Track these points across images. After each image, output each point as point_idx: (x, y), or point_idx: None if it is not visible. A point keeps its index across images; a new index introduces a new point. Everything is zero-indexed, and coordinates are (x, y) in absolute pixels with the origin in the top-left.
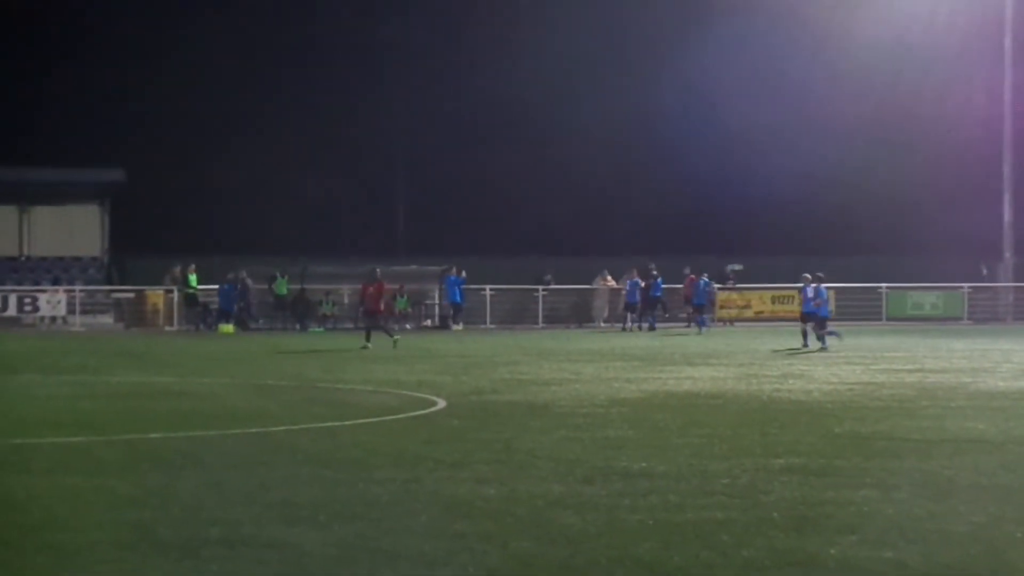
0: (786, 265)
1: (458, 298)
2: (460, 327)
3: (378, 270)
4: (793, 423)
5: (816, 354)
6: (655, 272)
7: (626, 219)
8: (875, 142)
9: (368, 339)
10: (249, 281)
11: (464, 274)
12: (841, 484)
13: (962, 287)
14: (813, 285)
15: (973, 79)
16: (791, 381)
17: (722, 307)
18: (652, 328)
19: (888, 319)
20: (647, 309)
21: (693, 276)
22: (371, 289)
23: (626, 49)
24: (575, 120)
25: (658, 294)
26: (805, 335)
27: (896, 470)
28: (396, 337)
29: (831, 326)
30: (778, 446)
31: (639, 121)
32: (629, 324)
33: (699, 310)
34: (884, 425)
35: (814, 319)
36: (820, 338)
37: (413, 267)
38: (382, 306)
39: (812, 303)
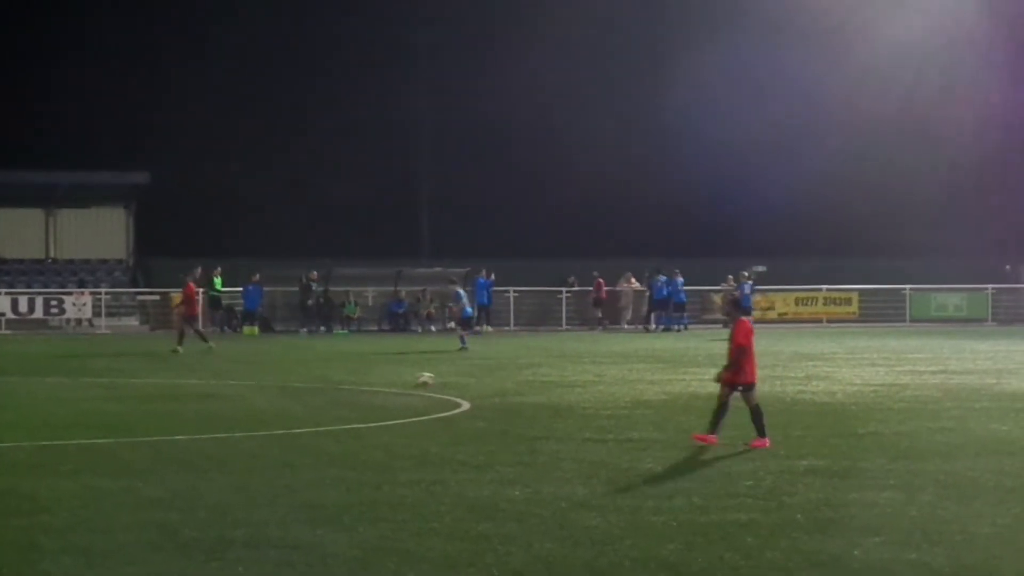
0: (809, 267)
1: (486, 300)
2: (489, 329)
3: (199, 269)
4: (817, 425)
5: (840, 356)
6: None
7: (649, 221)
8: (899, 143)
9: (204, 340)
10: (313, 284)
11: (493, 276)
12: (865, 486)
13: (986, 288)
14: (749, 282)
15: (998, 79)
16: (815, 383)
17: None
18: (668, 329)
19: (912, 320)
20: (663, 311)
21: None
22: (188, 292)
23: (647, 52)
24: (598, 123)
25: (672, 297)
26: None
27: (920, 472)
28: (210, 344)
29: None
30: (802, 448)
31: (665, 124)
32: (653, 325)
33: (679, 308)
34: (908, 427)
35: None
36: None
37: (437, 269)
38: (197, 309)
39: (750, 299)
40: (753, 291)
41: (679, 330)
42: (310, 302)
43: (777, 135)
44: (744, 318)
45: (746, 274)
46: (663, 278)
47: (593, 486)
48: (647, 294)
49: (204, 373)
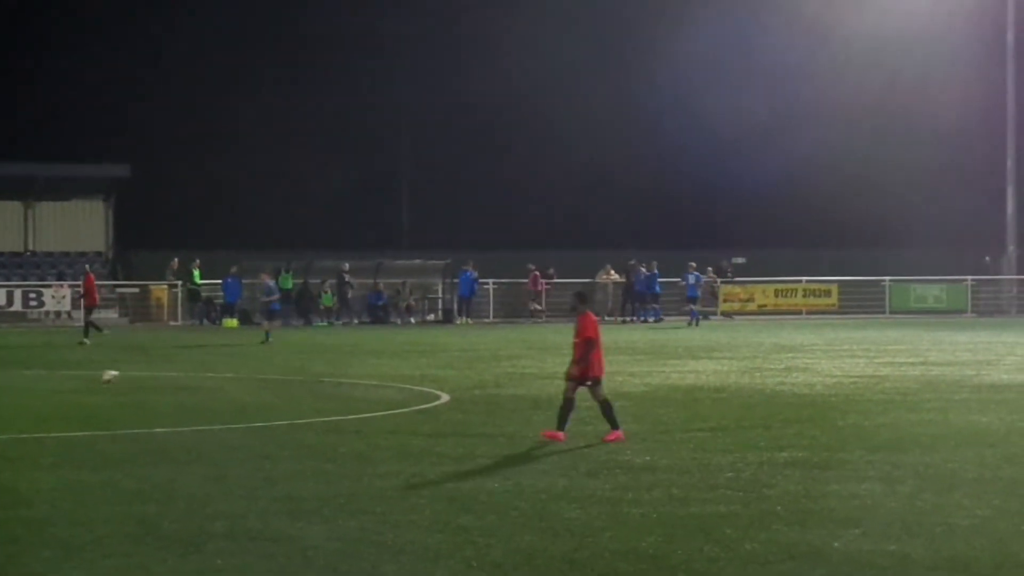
0: (789, 258)
1: (467, 293)
2: (469, 322)
3: (175, 261)
4: (796, 417)
5: (820, 348)
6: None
7: (628, 213)
8: (878, 134)
9: (87, 334)
10: (347, 276)
11: (476, 272)
12: (845, 477)
13: (966, 280)
14: (695, 273)
15: (976, 71)
16: (794, 375)
17: (725, 300)
18: (649, 320)
19: (891, 312)
20: (639, 302)
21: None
22: (87, 283)
23: (624, 42)
24: (576, 114)
25: (647, 288)
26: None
27: (900, 463)
28: (105, 332)
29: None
30: (781, 439)
31: (644, 115)
32: (632, 317)
33: (653, 299)
34: (887, 418)
35: (694, 302)
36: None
37: (417, 261)
38: (97, 299)
39: (696, 288)
40: (699, 281)
41: (654, 321)
42: (350, 295)
43: (757, 126)
44: (589, 311)
45: (693, 264)
46: (645, 271)
47: (573, 478)
48: (628, 286)
49: (183, 365)
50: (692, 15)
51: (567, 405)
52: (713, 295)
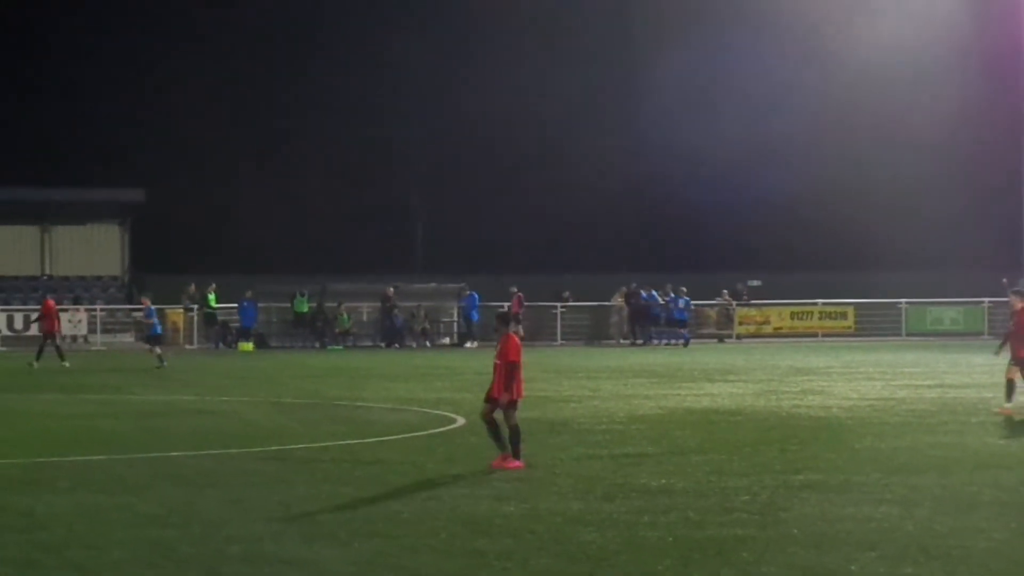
0: (805, 281)
1: (475, 316)
2: (475, 344)
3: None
4: (812, 439)
5: (836, 370)
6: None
7: (643, 236)
8: (894, 155)
9: (38, 358)
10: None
11: (476, 296)
12: (861, 500)
13: (982, 302)
14: (685, 298)
15: (993, 93)
16: (810, 397)
17: (741, 323)
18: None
19: (908, 334)
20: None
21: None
22: (45, 308)
23: (638, 64)
24: (590, 137)
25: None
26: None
27: (917, 486)
28: (65, 364)
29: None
30: (797, 462)
31: (658, 137)
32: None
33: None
34: (904, 441)
35: (683, 324)
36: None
37: (432, 285)
38: (57, 325)
39: (685, 312)
40: (688, 305)
41: (667, 344)
42: (399, 317)
43: (772, 148)
44: (512, 333)
45: (684, 289)
46: (663, 295)
47: (589, 501)
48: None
49: (199, 389)
50: (704, 39)
51: (494, 429)
52: (728, 318)
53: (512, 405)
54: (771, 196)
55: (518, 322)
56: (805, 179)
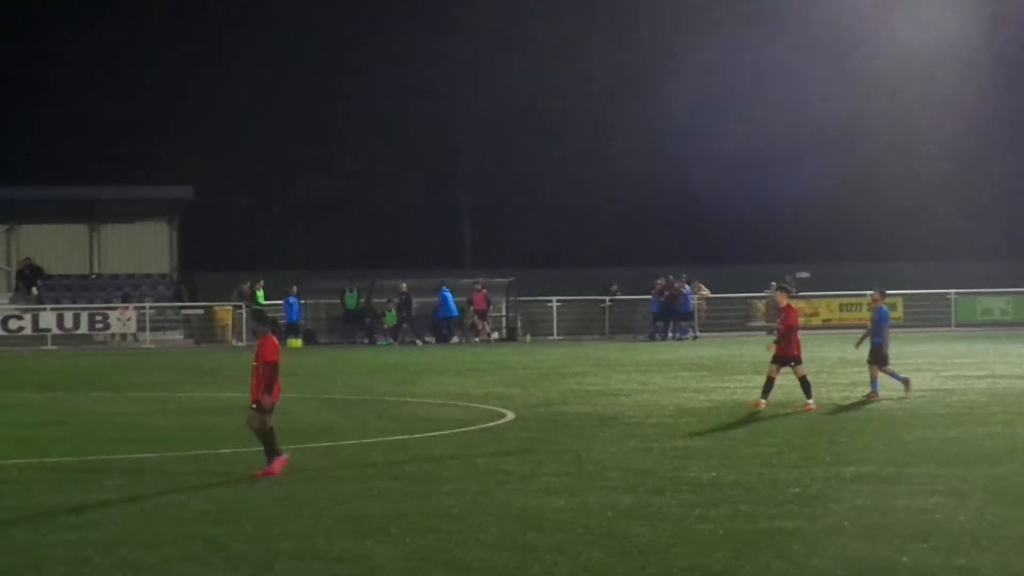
0: (853, 272)
1: (456, 313)
2: (527, 339)
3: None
4: (863, 431)
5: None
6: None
7: (692, 228)
8: (943, 144)
9: None
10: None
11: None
12: (912, 491)
13: None
14: (686, 287)
15: None
16: (860, 389)
17: None
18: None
19: (957, 325)
20: (678, 320)
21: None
22: None
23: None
24: (640, 130)
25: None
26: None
27: (967, 477)
28: None
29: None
30: (848, 454)
31: (705, 129)
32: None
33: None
34: (955, 432)
35: (688, 317)
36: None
37: (480, 280)
38: None
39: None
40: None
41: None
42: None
43: (823, 137)
44: (271, 334)
45: (684, 277)
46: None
47: (639, 495)
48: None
49: (249, 386)
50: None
51: (264, 434)
52: (777, 310)
53: (270, 407)
54: (820, 187)
55: (483, 318)
56: (854, 169)
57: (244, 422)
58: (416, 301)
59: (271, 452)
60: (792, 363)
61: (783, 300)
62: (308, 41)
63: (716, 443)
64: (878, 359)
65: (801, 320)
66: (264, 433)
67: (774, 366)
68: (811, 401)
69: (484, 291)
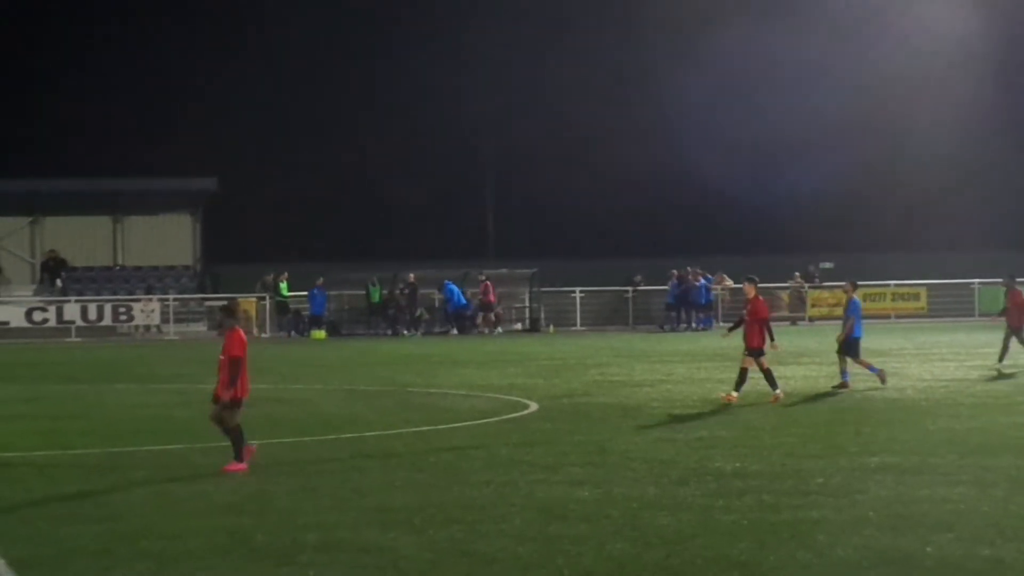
0: (877, 262)
1: (464, 302)
2: (550, 330)
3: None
4: (887, 421)
5: (909, 352)
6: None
7: (715, 219)
8: (965, 134)
9: None
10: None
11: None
12: (937, 482)
13: None
14: (709, 276)
15: None
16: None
17: (813, 305)
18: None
19: (981, 315)
20: (692, 311)
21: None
22: None
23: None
24: (659, 121)
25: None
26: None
27: (992, 467)
28: None
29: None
30: (872, 444)
31: (728, 119)
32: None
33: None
34: (979, 422)
35: (696, 306)
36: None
37: (504, 270)
38: None
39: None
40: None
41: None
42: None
43: (844, 128)
44: (239, 328)
45: (697, 270)
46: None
47: (663, 486)
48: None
49: (273, 377)
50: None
51: (232, 431)
52: (801, 300)
53: (236, 404)
54: (844, 178)
55: (491, 310)
56: (877, 159)
57: (266, 414)
58: (439, 294)
59: (238, 447)
60: (755, 354)
61: (750, 291)
62: (335, 33)
63: (740, 433)
64: (851, 350)
65: (824, 310)
66: (228, 428)
67: (747, 358)
68: (778, 391)
69: (489, 283)
